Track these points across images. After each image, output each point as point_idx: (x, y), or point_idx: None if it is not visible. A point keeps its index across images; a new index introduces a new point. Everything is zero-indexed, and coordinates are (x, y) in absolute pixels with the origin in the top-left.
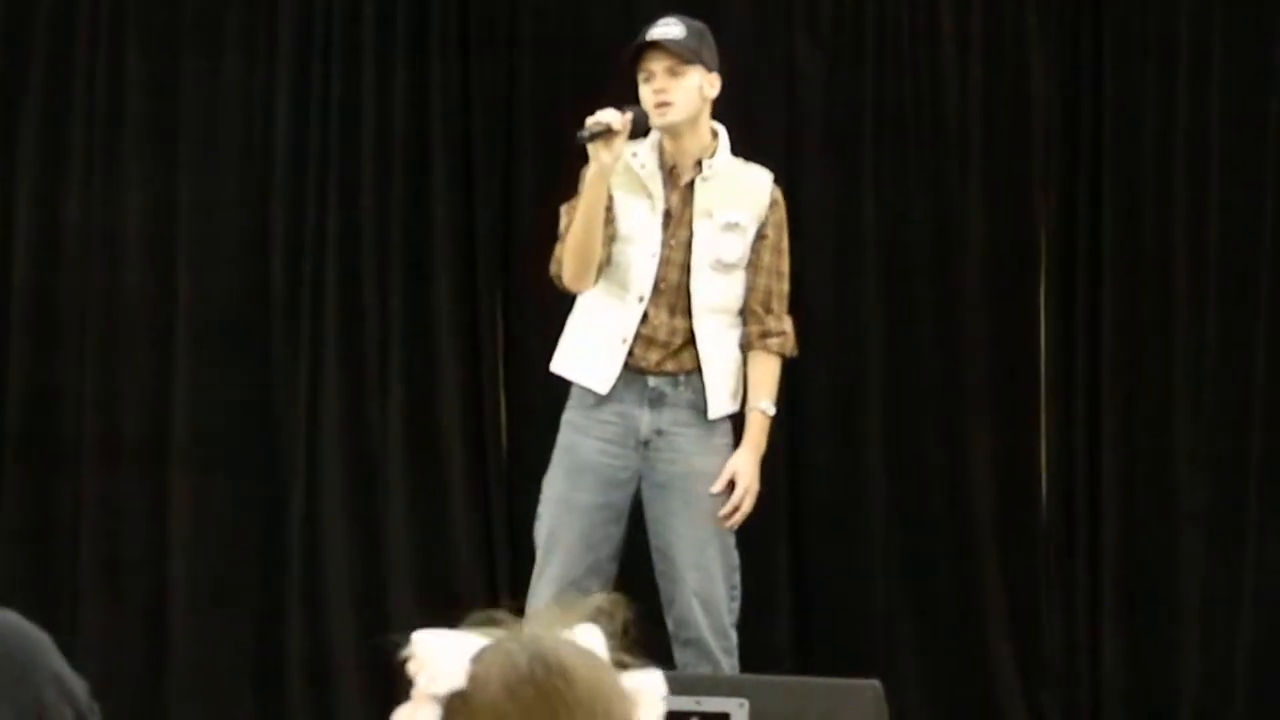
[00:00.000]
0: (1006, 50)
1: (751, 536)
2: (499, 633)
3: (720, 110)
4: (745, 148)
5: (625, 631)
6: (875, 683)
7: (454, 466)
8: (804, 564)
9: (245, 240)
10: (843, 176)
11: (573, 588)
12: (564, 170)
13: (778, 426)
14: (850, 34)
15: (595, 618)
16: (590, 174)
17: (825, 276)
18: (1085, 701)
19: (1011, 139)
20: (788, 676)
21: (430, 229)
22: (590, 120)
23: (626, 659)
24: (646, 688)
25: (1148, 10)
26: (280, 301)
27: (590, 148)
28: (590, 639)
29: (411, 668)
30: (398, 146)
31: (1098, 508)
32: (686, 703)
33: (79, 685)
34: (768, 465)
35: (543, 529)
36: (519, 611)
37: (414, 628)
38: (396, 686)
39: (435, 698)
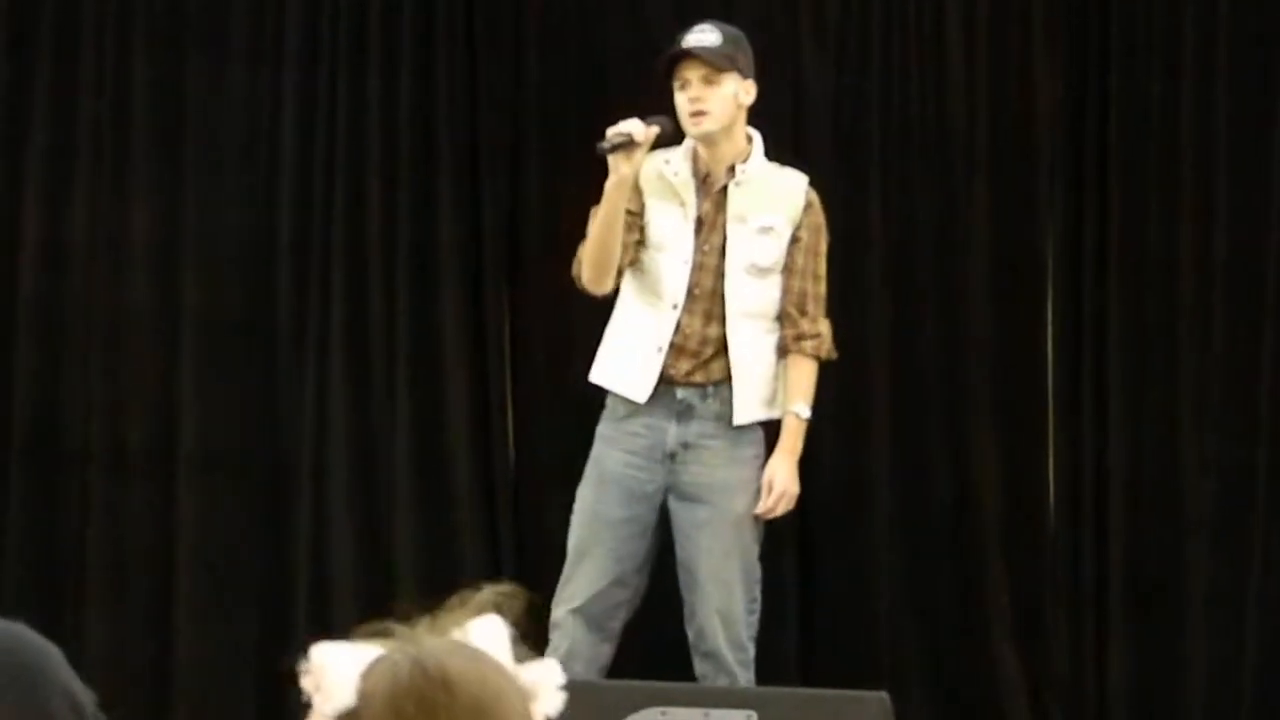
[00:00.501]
0: (1012, 55)
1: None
2: (390, 643)
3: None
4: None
5: (518, 624)
6: (883, 694)
7: (460, 474)
8: (810, 572)
9: (251, 247)
10: (849, 181)
11: (597, 599)
12: (571, 175)
13: None
14: (857, 39)
15: (491, 610)
16: (609, 185)
17: (831, 281)
18: (1092, 709)
19: (1017, 144)
20: (795, 689)
21: (436, 236)
22: (612, 131)
23: (523, 650)
24: (543, 679)
25: (1153, 13)
26: (286, 308)
27: (610, 159)
28: (487, 634)
29: (308, 684)
30: (404, 152)
31: (1104, 514)
32: (695, 715)
33: (87, 697)
34: None
35: (572, 539)
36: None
37: None
38: None
39: (328, 717)
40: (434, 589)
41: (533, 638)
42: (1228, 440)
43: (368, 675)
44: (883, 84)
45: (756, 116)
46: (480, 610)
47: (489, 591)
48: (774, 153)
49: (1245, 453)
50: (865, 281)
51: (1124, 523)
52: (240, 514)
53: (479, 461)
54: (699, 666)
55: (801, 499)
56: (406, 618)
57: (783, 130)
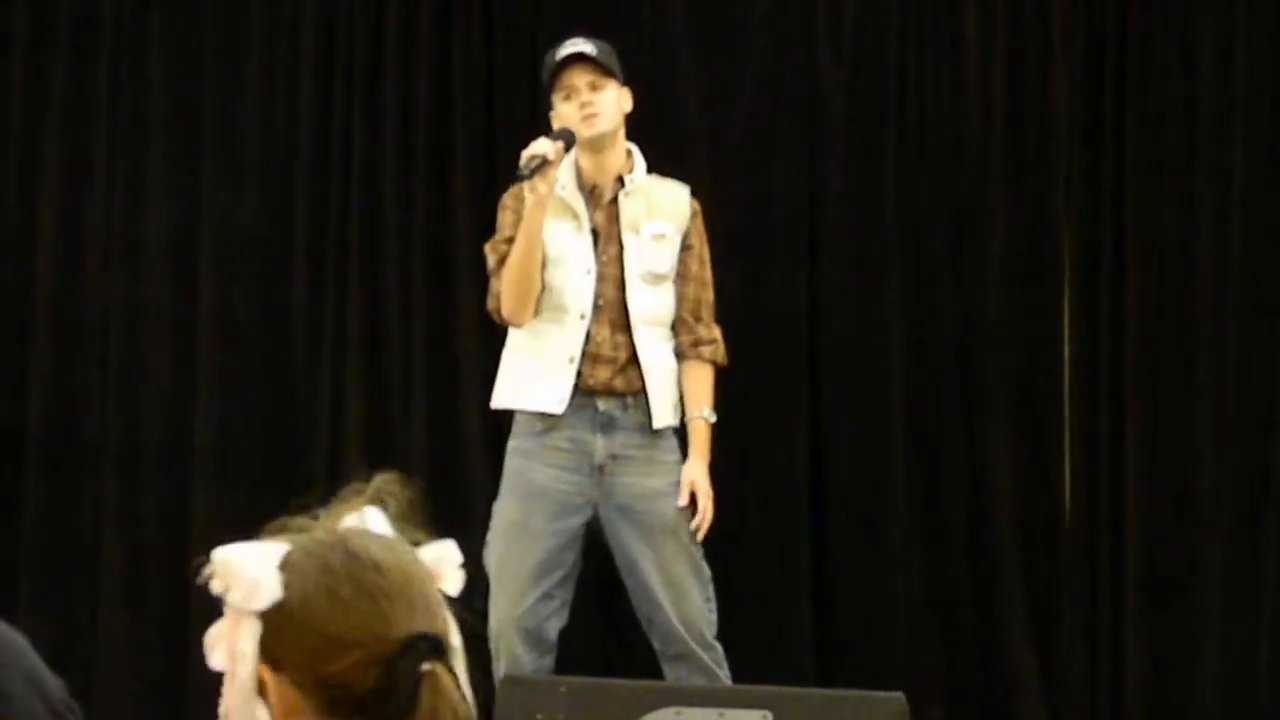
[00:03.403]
0: (1029, 59)
1: (774, 546)
2: (299, 537)
3: (743, 120)
4: (766, 158)
5: (411, 508)
6: (899, 695)
7: (476, 471)
8: (827, 572)
9: (268, 246)
10: (865, 186)
11: (529, 613)
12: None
13: (799, 434)
14: (873, 44)
15: (377, 500)
16: (529, 206)
17: (847, 285)
18: (1107, 709)
19: (1034, 149)
20: (811, 689)
21: (453, 237)
22: (526, 155)
23: (419, 535)
24: (443, 558)
25: (1170, 17)
26: (302, 307)
27: (528, 183)
28: (377, 523)
29: (216, 586)
30: (420, 152)
31: (1120, 515)
32: (710, 715)
33: (55, 684)
34: (790, 475)
35: (494, 556)
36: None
37: None
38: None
39: (253, 613)
40: None
41: (424, 525)
42: (1244, 440)
43: (289, 567)
44: (899, 90)
45: (773, 123)
46: (371, 502)
47: (374, 484)
48: (790, 159)
49: (1262, 452)
50: (881, 285)
51: (1140, 523)
52: (256, 511)
53: (494, 460)
54: (670, 671)
55: (818, 502)
56: (298, 517)
57: (798, 135)
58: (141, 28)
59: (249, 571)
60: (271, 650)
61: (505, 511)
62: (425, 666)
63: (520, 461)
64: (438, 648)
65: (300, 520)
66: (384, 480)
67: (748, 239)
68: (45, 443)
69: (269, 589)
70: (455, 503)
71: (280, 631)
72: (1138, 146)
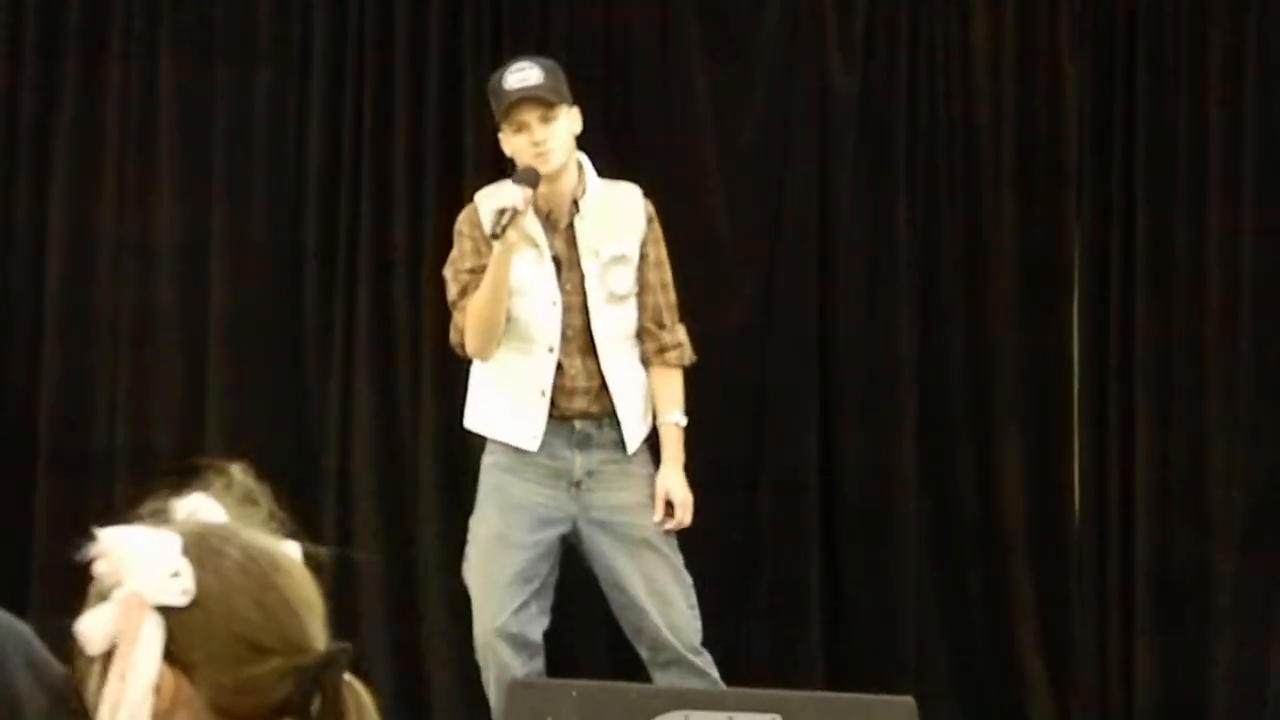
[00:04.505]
0: (1039, 64)
1: (784, 549)
2: (190, 528)
3: (755, 123)
4: (779, 162)
5: (250, 495)
6: (909, 699)
7: None
8: (836, 576)
9: (278, 252)
10: (876, 191)
11: (514, 619)
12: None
13: (810, 435)
14: (883, 50)
15: (245, 499)
16: (498, 252)
17: (859, 289)
18: (1118, 714)
19: (1044, 153)
20: (821, 693)
21: None
22: (494, 212)
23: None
24: (296, 557)
25: (1180, 23)
26: (312, 311)
27: (502, 236)
28: (212, 511)
29: (106, 569)
30: (430, 158)
31: (1130, 520)
32: (720, 718)
33: (58, 671)
34: (800, 477)
35: (474, 568)
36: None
37: (447, 639)
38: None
39: (156, 606)
40: (459, 585)
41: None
42: (1254, 447)
43: (195, 560)
44: (910, 95)
45: (784, 129)
46: (207, 489)
47: (236, 476)
48: (801, 164)
49: (1272, 460)
50: (892, 290)
51: (1150, 530)
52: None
53: None
54: (662, 678)
55: (828, 506)
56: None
57: (809, 142)
58: (151, 32)
59: (158, 561)
60: (179, 649)
61: (487, 524)
62: (347, 679)
63: (499, 476)
64: (351, 660)
65: (152, 506)
66: (236, 473)
67: (759, 243)
68: (56, 446)
69: (182, 583)
70: (464, 507)
71: (189, 630)
72: (1148, 149)
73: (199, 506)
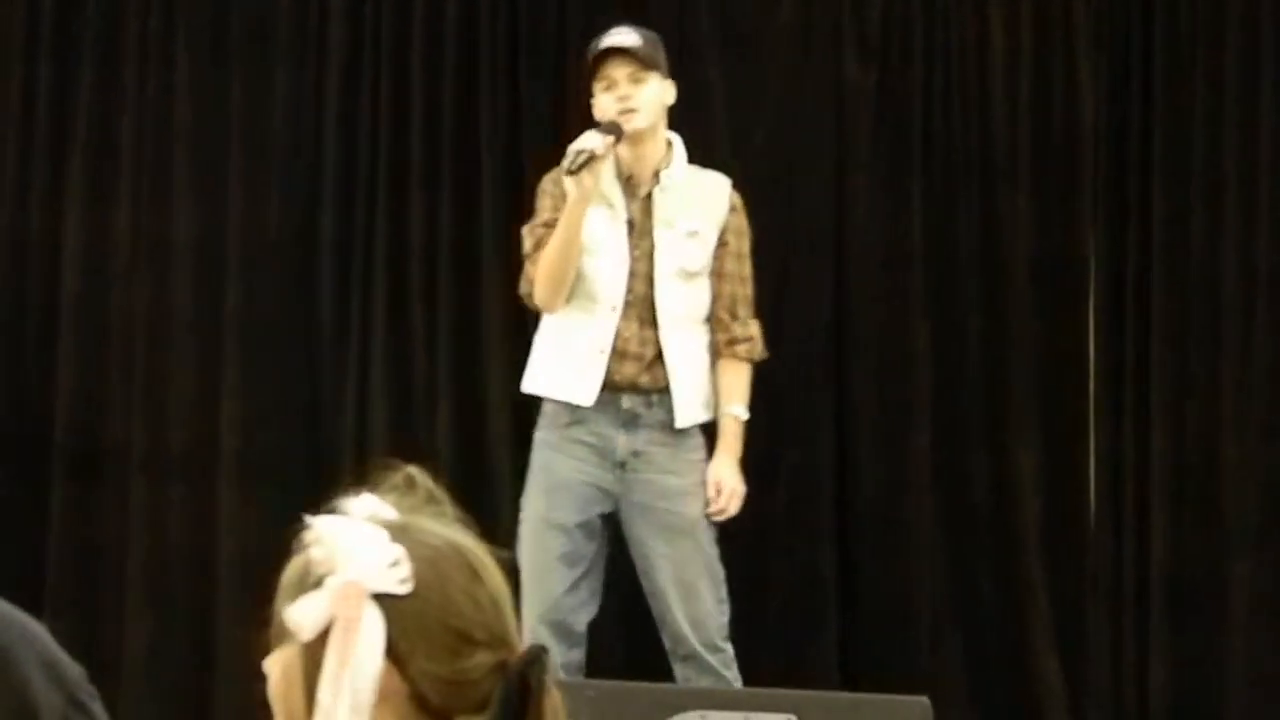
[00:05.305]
0: (1055, 66)
1: (798, 549)
2: (388, 521)
3: (771, 127)
4: (793, 164)
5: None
6: (924, 700)
7: (502, 471)
8: (851, 576)
9: (293, 247)
10: (891, 192)
11: (558, 606)
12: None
13: (824, 436)
14: (899, 51)
15: (429, 500)
16: (573, 199)
17: (873, 290)
18: (1132, 716)
19: (1060, 155)
20: (836, 693)
21: (478, 235)
22: (573, 149)
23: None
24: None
25: (1196, 26)
26: (328, 309)
27: (574, 177)
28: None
29: (319, 556)
30: (445, 152)
31: (1145, 521)
32: (736, 719)
33: (73, 669)
34: (815, 478)
35: (525, 549)
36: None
37: None
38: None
39: (374, 595)
40: None
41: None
42: (1270, 445)
43: (414, 556)
44: (925, 97)
45: (799, 129)
46: (390, 489)
47: (400, 471)
48: (816, 165)
49: None
50: (907, 292)
51: (1166, 528)
52: (282, 514)
53: (520, 458)
54: (680, 671)
55: (843, 507)
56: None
57: (825, 143)
58: (167, 32)
59: (375, 549)
60: (396, 639)
61: (532, 504)
62: (546, 679)
63: (545, 454)
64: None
65: (326, 507)
66: (410, 469)
67: (773, 243)
68: (71, 446)
69: (400, 572)
70: (481, 501)
71: (406, 620)
72: (1164, 151)
73: (372, 507)
